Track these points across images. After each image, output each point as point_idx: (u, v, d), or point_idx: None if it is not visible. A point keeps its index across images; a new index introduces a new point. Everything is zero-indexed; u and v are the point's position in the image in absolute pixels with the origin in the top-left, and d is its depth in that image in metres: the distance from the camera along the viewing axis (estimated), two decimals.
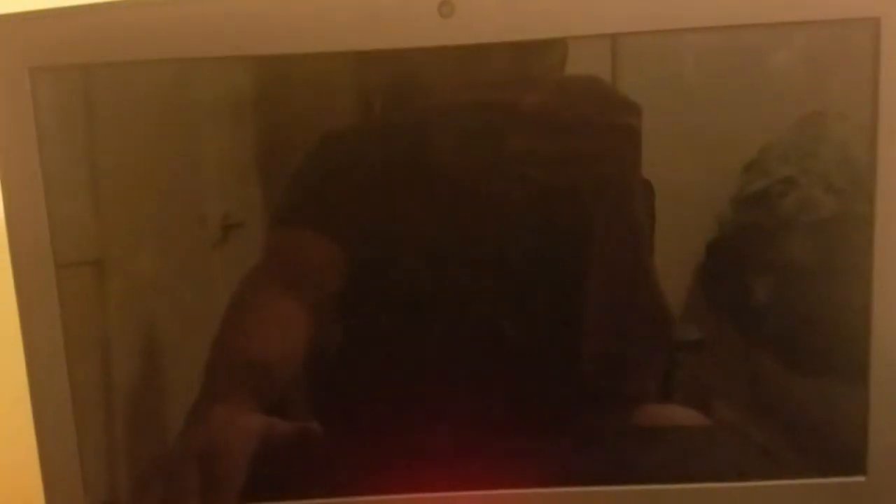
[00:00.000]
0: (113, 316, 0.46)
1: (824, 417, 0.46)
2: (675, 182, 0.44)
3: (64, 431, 0.45)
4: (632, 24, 0.41)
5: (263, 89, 0.44)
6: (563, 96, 0.43)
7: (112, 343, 0.46)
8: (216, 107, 0.44)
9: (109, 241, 0.45)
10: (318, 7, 0.41)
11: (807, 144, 0.43)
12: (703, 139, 0.44)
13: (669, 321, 0.45)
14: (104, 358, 0.46)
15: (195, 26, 0.42)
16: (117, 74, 0.43)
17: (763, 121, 0.43)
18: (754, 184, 0.43)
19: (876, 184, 0.42)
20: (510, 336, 0.45)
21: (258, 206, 0.45)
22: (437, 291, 0.45)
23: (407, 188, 0.44)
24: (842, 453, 0.45)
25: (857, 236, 0.43)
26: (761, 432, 0.46)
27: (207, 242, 0.45)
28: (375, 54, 0.42)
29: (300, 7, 0.42)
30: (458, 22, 0.41)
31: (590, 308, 0.45)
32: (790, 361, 0.45)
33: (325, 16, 0.41)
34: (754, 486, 0.45)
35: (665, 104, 0.43)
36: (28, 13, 0.42)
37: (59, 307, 0.44)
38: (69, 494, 0.45)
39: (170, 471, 0.46)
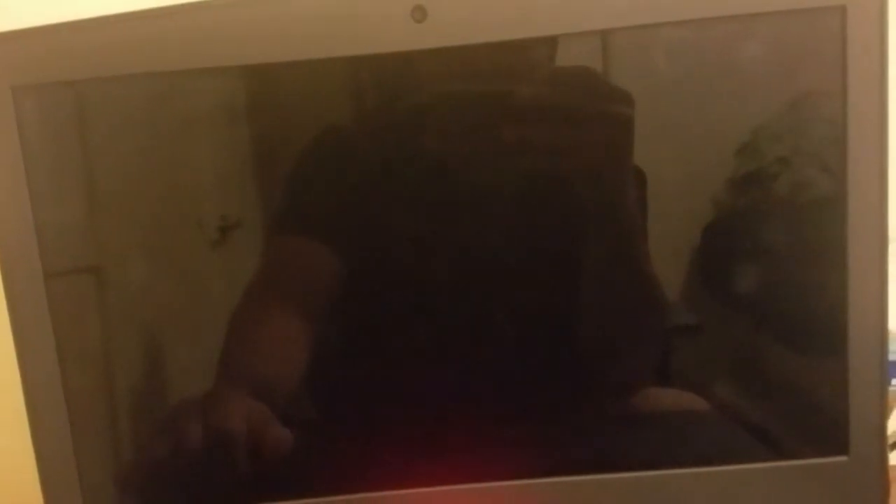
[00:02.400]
0: (111, 323, 0.46)
1: (805, 399, 0.46)
2: (669, 169, 0.44)
3: (61, 442, 0.45)
4: (608, 20, 0.42)
5: (249, 98, 0.44)
6: (556, 87, 0.43)
7: (110, 350, 0.46)
8: (202, 117, 0.44)
9: (105, 249, 0.46)
10: (296, 16, 0.42)
11: (797, 125, 0.44)
12: (693, 126, 0.44)
13: (664, 306, 0.45)
14: (103, 366, 0.46)
15: (177, 39, 0.42)
16: (101, 90, 0.43)
17: (751, 105, 0.44)
18: (747, 166, 0.44)
19: (847, 166, 0.42)
20: (508, 327, 0.46)
21: (252, 212, 0.45)
22: (433, 284, 0.45)
23: (400, 184, 0.44)
24: (823, 434, 0.45)
25: (840, 216, 0.43)
26: (745, 416, 0.47)
27: (203, 247, 0.45)
28: (358, 59, 0.42)
29: (276, 17, 0.42)
30: (431, 26, 0.42)
31: (585, 296, 0.45)
32: (785, 343, 0.46)
33: (303, 24, 0.42)
34: (736, 469, 0.45)
35: (654, 94, 0.43)
36: (8, 32, 0.42)
37: (51, 317, 0.44)
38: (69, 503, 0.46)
39: (171, 476, 0.47)
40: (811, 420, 0.46)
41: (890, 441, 0.47)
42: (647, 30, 0.42)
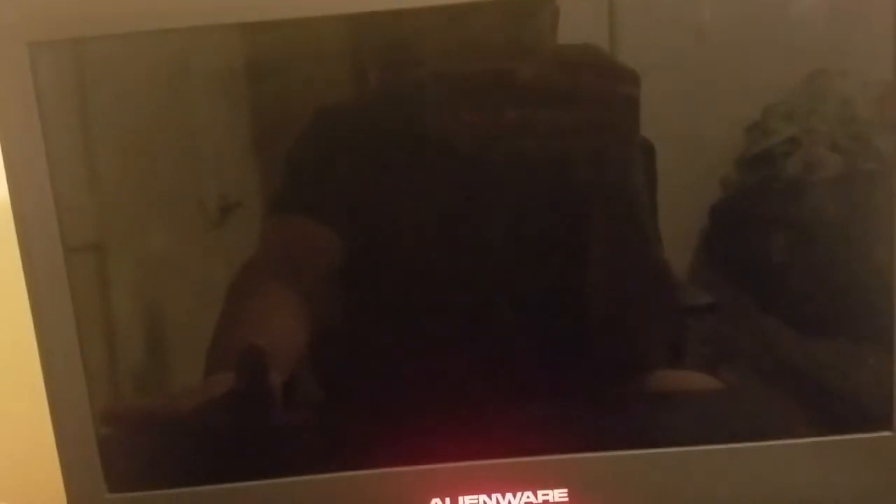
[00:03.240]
0: (115, 299, 0.45)
1: (848, 375, 0.45)
2: (679, 144, 0.43)
3: (80, 418, 0.44)
4: None
5: (256, 63, 0.43)
6: (561, 66, 0.42)
7: (117, 326, 0.45)
8: (215, 77, 0.43)
9: (110, 223, 0.45)
10: None
11: (810, 103, 0.43)
12: (704, 101, 0.43)
13: (674, 286, 0.45)
14: (110, 341, 0.46)
15: None
16: (116, 47, 0.42)
17: (765, 81, 0.43)
18: (758, 144, 0.43)
19: None
20: (511, 308, 0.45)
21: (257, 182, 0.44)
22: (439, 265, 0.44)
23: (403, 161, 0.43)
24: (867, 410, 0.45)
25: (863, 194, 0.43)
26: (788, 392, 0.46)
27: (207, 219, 0.44)
28: (368, 20, 0.41)
29: None
30: None
31: (594, 277, 0.45)
32: (801, 321, 0.45)
33: None
34: (780, 444, 0.45)
35: (665, 67, 0.42)
36: None
37: (70, 291, 0.43)
38: (88, 479, 0.45)
39: (190, 450, 0.46)
40: (855, 396, 0.45)
41: None
42: None
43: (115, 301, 0.45)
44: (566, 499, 0.45)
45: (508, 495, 0.45)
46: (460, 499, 0.45)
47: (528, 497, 0.45)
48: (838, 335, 0.45)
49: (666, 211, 0.44)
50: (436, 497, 0.45)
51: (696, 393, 0.46)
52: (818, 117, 0.43)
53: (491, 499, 0.45)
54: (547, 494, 0.45)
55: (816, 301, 0.45)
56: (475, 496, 0.45)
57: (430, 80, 0.42)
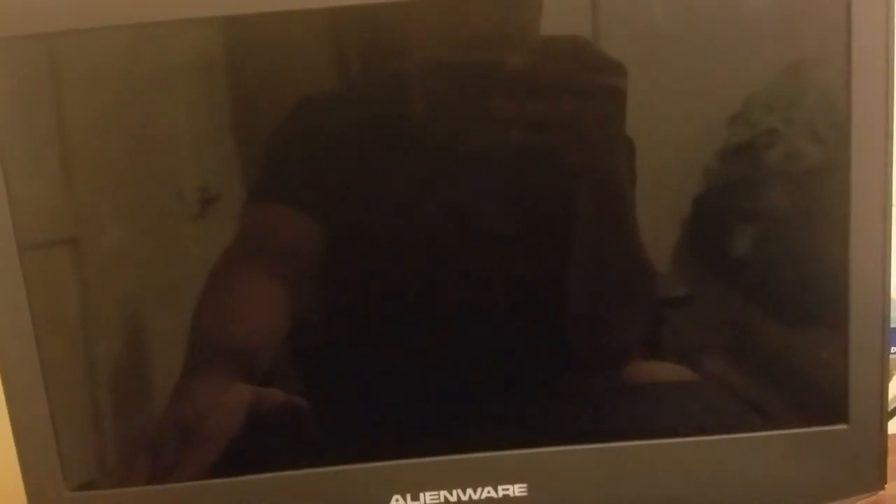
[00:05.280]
0: (90, 295, 0.45)
1: (805, 368, 0.46)
2: (660, 137, 0.43)
3: (39, 416, 0.44)
4: None
5: (235, 53, 0.43)
6: (547, 57, 0.42)
7: (91, 323, 0.45)
8: (187, 73, 0.43)
9: (83, 219, 0.44)
10: None
11: (791, 94, 0.43)
12: (686, 92, 0.43)
13: (654, 278, 0.45)
14: (84, 338, 0.45)
15: None
16: (80, 43, 0.41)
17: (746, 72, 0.43)
18: (739, 136, 0.43)
19: (851, 131, 0.42)
20: (495, 298, 0.45)
21: (236, 178, 0.44)
22: (419, 255, 0.44)
23: (385, 152, 0.43)
24: (823, 403, 0.45)
25: (843, 185, 0.43)
26: (744, 385, 0.46)
27: (185, 216, 0.44)
28: (348, 13, 0.41)
29: None
30: None
31: (575, 267, 0.45)
32: (778, 314, 0.46)
33: None
34: (737, 438, 0.45)
35: (647, 58, 0.42)
36: None
37: (26, 290, 0.43)
38: (48, 478, 0.45)
39: (151, 448, 0.46)
40: (811, 389, 0.45)
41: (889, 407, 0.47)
42: None
43: (86, 298, 0.45)
44: (525, 493, 0.45)
45: (469, 491, 0.45)
46: (421, 495, 0.45)
47: (488, 492, 0.45)
48: (809, 326, 0.45)
49: (647, 203, 0.44)
50: (397, 494, 0.45)
51: (657, 386, 0.46)
52: (798, 108, 0.43)
53: (452, 494, 0.45)
54: (507, 489, 0.45)
55: (789, 293, 0.45)
56: (436, 492, 0.45)
57: (412, 70, 0.42)
